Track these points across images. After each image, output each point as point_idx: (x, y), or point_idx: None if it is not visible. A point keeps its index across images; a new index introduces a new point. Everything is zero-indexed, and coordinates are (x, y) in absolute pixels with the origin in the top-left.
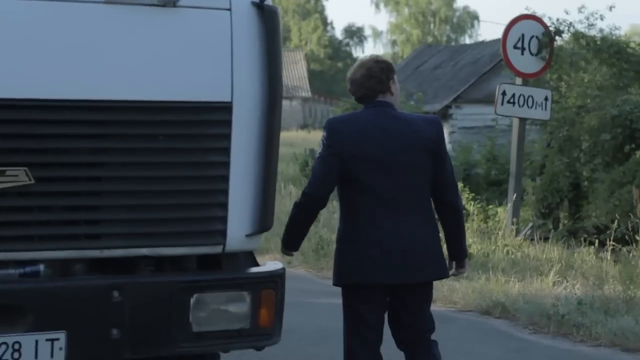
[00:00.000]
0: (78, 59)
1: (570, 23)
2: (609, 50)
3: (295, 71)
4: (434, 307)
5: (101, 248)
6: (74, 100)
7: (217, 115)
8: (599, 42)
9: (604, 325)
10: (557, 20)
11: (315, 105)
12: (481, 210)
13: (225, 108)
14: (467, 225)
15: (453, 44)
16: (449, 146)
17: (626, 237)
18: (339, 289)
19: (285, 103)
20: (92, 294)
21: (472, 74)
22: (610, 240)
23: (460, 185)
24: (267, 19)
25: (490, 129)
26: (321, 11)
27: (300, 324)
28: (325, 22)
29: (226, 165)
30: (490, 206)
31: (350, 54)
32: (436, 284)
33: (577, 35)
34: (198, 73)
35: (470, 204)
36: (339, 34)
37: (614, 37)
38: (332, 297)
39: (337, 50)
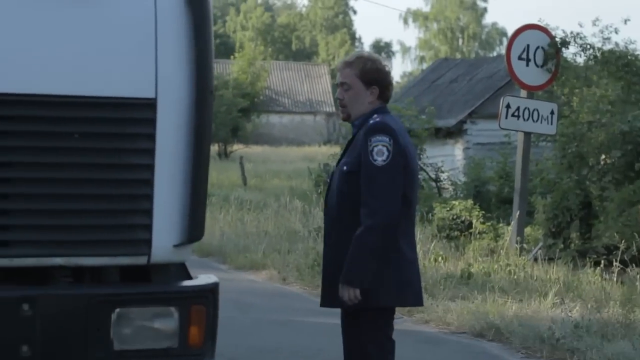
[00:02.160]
0: None
1: (578, 34)
2: (617, 63)
3: (319, 86)
4: (427, 328)
5: (10, 256)
6: None
7: (140, 112)
8: (606, 54)
9: (599, 350)
10: (564, 31)
11: (339, 120)
12: (491, 228)
13: (148, 105)
14: (475, 243)
15: None
16: (462, 162)
17: (637, 258)
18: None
19: (309, 118)
20: None
21: (488, 88)
22: (617, 261)
23: (470, 202)
24: (196, 4)
25: (505, 145)
26: (349, 26)
27: (286, 343)
28: (353, 37)
29: (150, 168)
30: (500, 224)
31: None
32: (430, 304)
33: (584, 47)
34: (118, 65)
35: (480, 222)
36: (366, 49)
37: (628, 51)
38: (321, 316)
39: None
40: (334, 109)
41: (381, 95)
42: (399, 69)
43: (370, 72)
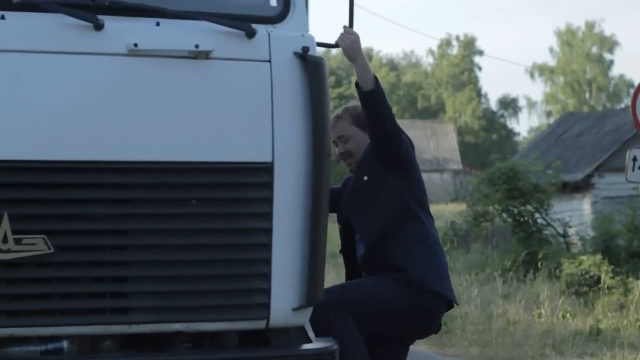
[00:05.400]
0: (99, 116)
1: None
2: None
3: (445, 143)
4: None
5: (129, 323)
6: (96, 162)
7: (257, 177)
8: None
9: None
10: None
11: (466, 177)
12: (621, 283)
13: (265, 169)
14: (604, 298)
15: None
16: (590, 217)
17: None
18: None
19: (435, 176)
20: None
21: (615, 141)
22: None
23: (598, 257)
24: (312, 70)
25: (633, 198)
26: (475, 83)
27: None
28: (479, 93)
29: (268, 231)
30: (630, 279)
31: (504, 126)
32: None
33: None
34: (234, 131)
35: (609, 277)
36: (493, 105)
37: None
38: None
39: (491, 122)
40: (461, 166)
41: None
42: (525, 124)
43: (360, 115)
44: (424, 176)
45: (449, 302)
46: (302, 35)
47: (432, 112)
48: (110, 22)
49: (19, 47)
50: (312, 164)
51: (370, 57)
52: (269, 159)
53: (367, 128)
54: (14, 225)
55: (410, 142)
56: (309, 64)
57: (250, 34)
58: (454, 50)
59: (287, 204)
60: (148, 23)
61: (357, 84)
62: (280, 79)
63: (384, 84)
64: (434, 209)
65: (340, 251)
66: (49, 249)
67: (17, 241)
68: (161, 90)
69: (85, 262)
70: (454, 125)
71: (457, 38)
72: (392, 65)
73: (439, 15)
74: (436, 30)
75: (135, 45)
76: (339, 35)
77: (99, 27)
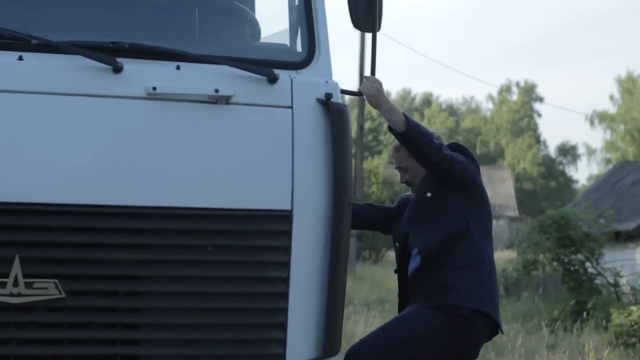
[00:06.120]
0: (115, 160)
1: None
2: None
3: (502, 190)
4: None
5: None
6: (112, 206)
7: (275, 224)
8: None
9: None
10: None
11: (520, 225)
12: None
13: (284, 217)
14: None
15: None
16: None
17: None
18: None
19: None
20: None
21: None
22: None
23: None
24: (334, 117)
25: None
26: (534, 129)
27: None
28: (538, 140)
29: (285, 281)
30: None
31: (563, 173)
32: None
33: None
34: (254, 177)
35: None
36: (552, 152)
37: None
38: None
39: (550, 169)
40: (517, 212)
41: None
42: (584, 171)
43: None
44: None
45: (494, 329)
46: (326, 81)
47: (491, 158)
48: (130, 65)
49: (36, 88)
50: (332, 213)
51: (429, 103)
52: (288, 207)
53: None
54: (25, 268)
55: (473, 161)
56: (332, 111)
57: (272, 80)
58: (514, 97)
59: (305, 253)
60: (168, 66)
61: (390, 128)
62: (302, 125)
63: (442, 130)
64: None
65: (395, 271)
66: (60, 293)
67: (28, 285)
68: (180, 134)
69: (97, 308)
70: (511, 171)
71: (517, 84)
72: (452, 110)
73: (498, 62)
74: (496, 76)
75: (154, 88)
76: (362, 83)
77: (117, 69)
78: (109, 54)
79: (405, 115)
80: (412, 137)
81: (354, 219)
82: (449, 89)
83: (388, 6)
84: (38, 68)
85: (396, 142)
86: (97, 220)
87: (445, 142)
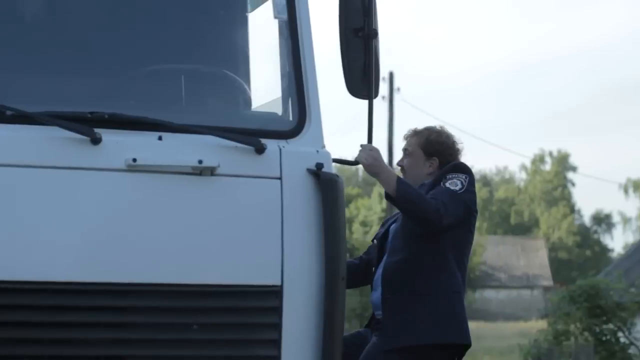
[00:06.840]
0: (95, 235)
1: None
2: None
3: (536, 259)
4: None
5: None
6: (91, 284)
7: (264, 301)
8: None
9: None
10: None
11: (550, 295)
12: None
13: (273, 292)
14: None
15: None
16: None
17: None
18: None
19: (525, 292)
20: None
21: None
22: None
23: None
24: (326, 188)
25: None
26: (568, 198)
27: None
28: (572, 209)
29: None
30: None
31: (598, 242)
32: None
33: None
34: (241, 251)
35: None
36: (587, 220)
37: None
38: None
39: (585, 238)
40: (551, 282)
41: (441, 167)
42: (620, 240)
43: (432, 143)
44: (514, 292)
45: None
46: (317, 151)
47: (526, 228)
48: (109, 136)
49: (10, 161)
50: (324, 289)
51: None
52: (277, 282)
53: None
54: (1, 349)
55: (470, 205)
56: (323, 182)
57: (260, 149)
58: (547, 166)
59: (296, 331)
60: (150, 137)
61: (386, 195)
62: (291, 196)
63: (478, 201)
64: (522, 326)
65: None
66: None
67: None
68: (163, 207)
69: None
70: (545, 241)
71: (550, 154)
72: (485, 181)
73: (530, 132)
74: (529, 146)
75: (135, 160)
76: (358, 152)
77: (96, 141)
78: (88, 124)
79: (402, 182)
80: (408, 200)
81: (352, 279)
82: (482, 159)
83: (418, 78)
84: (12, 140)
85: (420, 128)
86: (76, 299)
87: (462, 147)
